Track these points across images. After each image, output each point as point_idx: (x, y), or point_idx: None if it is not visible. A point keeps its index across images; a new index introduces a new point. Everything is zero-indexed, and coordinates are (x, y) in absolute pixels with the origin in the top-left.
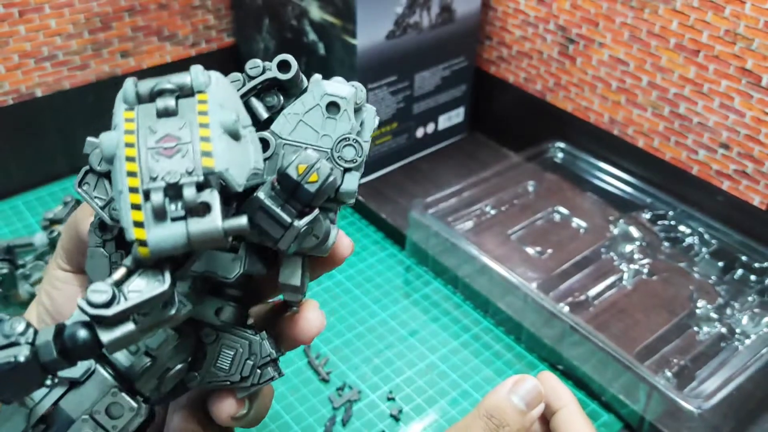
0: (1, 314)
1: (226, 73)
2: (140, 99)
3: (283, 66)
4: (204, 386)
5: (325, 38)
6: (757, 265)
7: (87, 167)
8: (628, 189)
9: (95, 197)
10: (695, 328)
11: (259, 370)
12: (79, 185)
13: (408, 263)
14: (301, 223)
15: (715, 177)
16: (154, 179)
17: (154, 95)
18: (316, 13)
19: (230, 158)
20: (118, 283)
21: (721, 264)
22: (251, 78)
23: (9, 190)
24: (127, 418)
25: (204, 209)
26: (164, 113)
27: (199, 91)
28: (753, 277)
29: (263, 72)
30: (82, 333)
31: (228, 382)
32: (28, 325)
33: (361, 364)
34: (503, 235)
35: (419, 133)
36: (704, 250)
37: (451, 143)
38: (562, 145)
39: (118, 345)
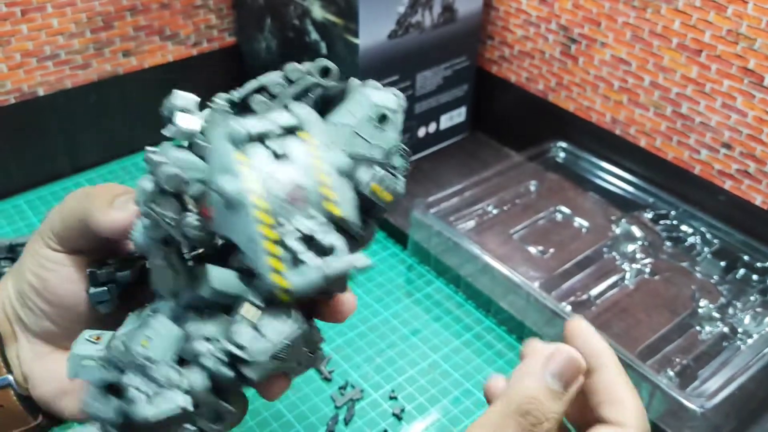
0: (147, 356)
1: (228, 73)
2: (250, 139)
3: (326, 72)
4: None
5: (327, 38)
6: (759, 264)
7: (151, 184)
8: (630, 189)
9: (164, 214)
10: (697, 328)
11: (311, 355)
12: (147, 203)
13: (410, 262)
14: (370, 233)
15: (717, 177)
16: (286, 228)
17: (262, 137)
18: (318, 12)
19: (346, 200)
20: (253, 324)
21: (723, 264)
22: (291, 82)
23: (11, 190)
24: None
25: (331, 251)
26: (279, 157)
27: (301, 129)
28: (755, 277)
29: (303, 76)
30: (228, 372)
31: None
32: (178, 371)
33: (363, 363)
34: (505, 234)
35: (421, 132)
36: (706, 249)
37: (453, 143)
38: (564, 144)
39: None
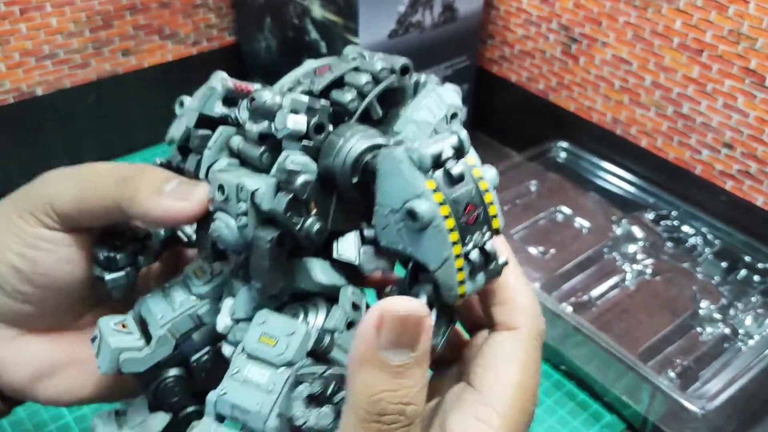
0: (287, 360)
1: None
2: (434, 166)
3: (404, 71)
4: None
5: (327, 37)
6: (760, 265)
7: (271, 190)
8: (631, 189)
9: (295, 221)
10: (698, 329)
11: None
12: (273, 210)
13: None
14: None
15: (718, 177)
16: (468, 245)
17: (442, 162)
18: (318, 11)
19: (500, 212)
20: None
21: (724, 264)
22: (378, 81)
23: (9, 189)
24: None
25: (495, 257)
26: (457, 180)
27: (467, 152)
28: (756, 278)
29: (388, 76)
30: None
31: None
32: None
33: None
34: (506, 234)
35: None
36: (707, 250)
37: None
38: (564, 144)
39: None
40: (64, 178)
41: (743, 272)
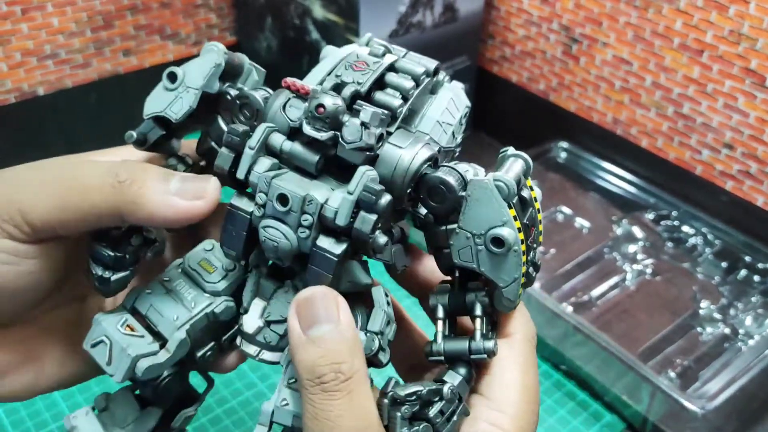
0: None
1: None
2: (515, 196)
3: (436, 73)
4: None
5: (328, 37)
6: (760, 265)
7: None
8: (632, 189)
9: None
10: (698, 329)
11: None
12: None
13: None
14: None
15: (718, 177)
16: (529, 262)
17: (518, 191)
18: (318, 11)
19: None
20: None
21: (724, 264)
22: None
23: None
24: None
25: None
26: (528, 204)
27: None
28: (756, 278)
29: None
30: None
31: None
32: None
33: None
34: None
35: None
36: (707, 250)
37: None
38: (565, 144)
39: None
40: (39, 184)
41: (743, 272)
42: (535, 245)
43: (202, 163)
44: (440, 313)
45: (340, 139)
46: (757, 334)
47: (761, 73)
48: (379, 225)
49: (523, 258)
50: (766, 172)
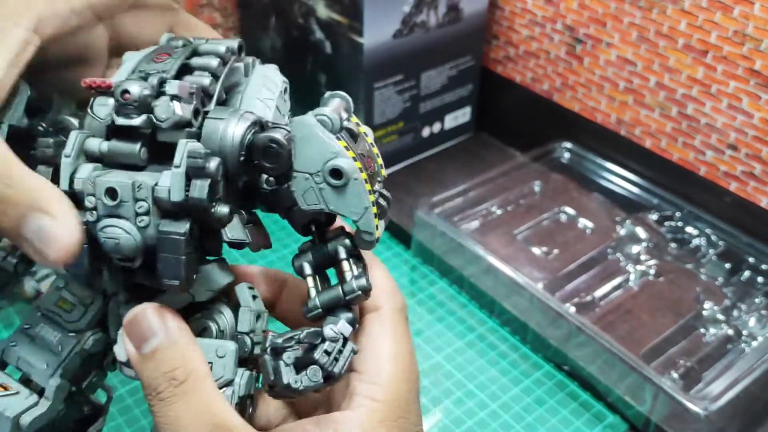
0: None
1: None
2: (340, 128)
3: (241, 50)
4: None
5: (332, 37)
6: (764, 266)
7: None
8: (635, 190)
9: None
10: (702, 330)
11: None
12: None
13: (413, 263)
14: None
15: (722, 178)
16: (375, 193)
17: (343, 126)
18: (323, 11)
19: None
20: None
21: (728, 265)
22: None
23: None
24: None
25: (389, 202)
26: (356, 137)
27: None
28: (760, 279)
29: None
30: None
31: None
32: None
33: None
34: (509, 235)
35: (425, 132)
36: (711, 251)
37: (458, 143)
38: (568, 145)
39: None
40: None
41: (747, 273)
42: (378, 178)
43: None
44: (307, 270)
45: (155, 120)
46: (760, 335)
47: (766, 73)
48: (218, 193)
49: (367, 186)
50: None
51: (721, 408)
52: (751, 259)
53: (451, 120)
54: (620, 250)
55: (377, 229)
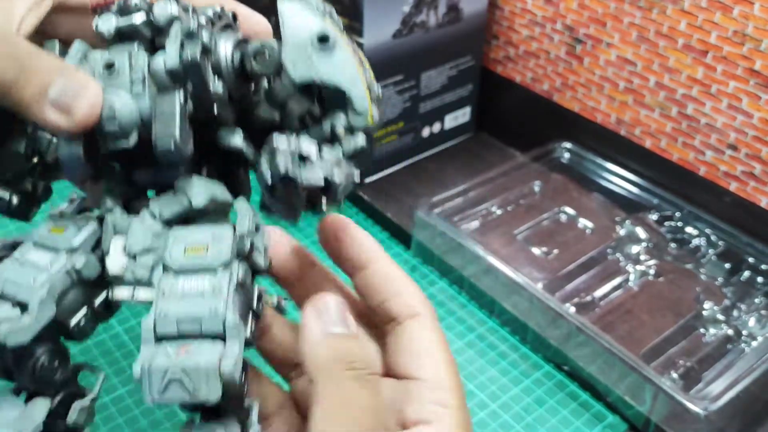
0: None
1: None
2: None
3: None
4: None
5: None
6: (764, 266)
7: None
8: (635, 190)
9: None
10: (702, 330)
11: None
12: None
13: (413, 263)
14: None
15: (722, 178)
16: (366, 74)
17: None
18: None
19: None
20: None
21: (728, 265)
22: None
23: None
24: None
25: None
26: (335, 20)
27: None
28: (760, 279)
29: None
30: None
31: None
32: None
33: None
34: (509, 235)
35: (425, 132)
36: (711, 251)
37: (458, 143)
38: (568, 145)
39: None
40: None
41: (747, 273)
42: (366, 66)
43: None
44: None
45: (152, 18)
46: (760, 335)
47: (765, 73)
48: (210, 60)
49: (355, 58)
50: None
51: (721, 408)
52: (751, 259)
53: (451, 120)
54: (620, 250)
55: (372, 111)
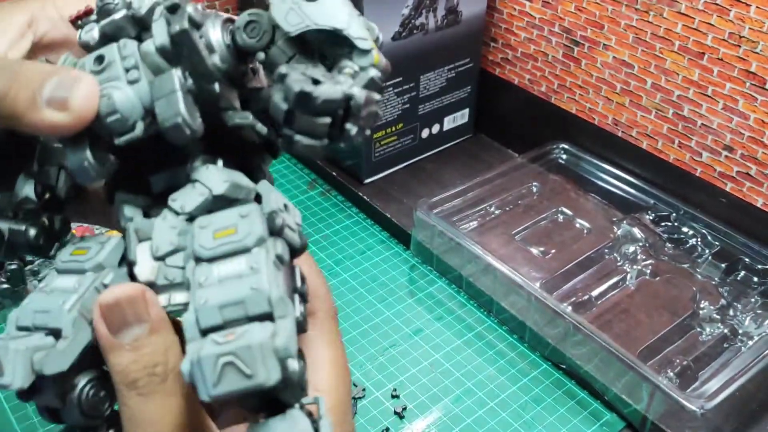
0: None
1: None
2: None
3: None
4: None
5: None
6: (759, 266)
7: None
8: (632, 190)
9: None
10: (698, 329)
11: None
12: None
13: (413, 262)
14: None
15: (718, 179)
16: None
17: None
18: None
19: None
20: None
21: (723, 265)
22: None
23: None
24: None
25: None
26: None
27: None
28: (755, 279)
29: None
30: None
31: None
32: None
33: (365, 361)
34: (507, 235)
35: (424, 133)
36: (707, 251)
37: (456, 144)
38: (566, 146)
39: None
40: None
41: (742, 273)
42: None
43: None
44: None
45: (133, 10)
46: (756, 334)
47: (761, 75)
48: (200, 38)
49: (346, 2)
50: (765, 173)
51: (717, 406)
52: (746, 259)
53: (450, 122)
54: (617, 250)
55: (376, 50)
